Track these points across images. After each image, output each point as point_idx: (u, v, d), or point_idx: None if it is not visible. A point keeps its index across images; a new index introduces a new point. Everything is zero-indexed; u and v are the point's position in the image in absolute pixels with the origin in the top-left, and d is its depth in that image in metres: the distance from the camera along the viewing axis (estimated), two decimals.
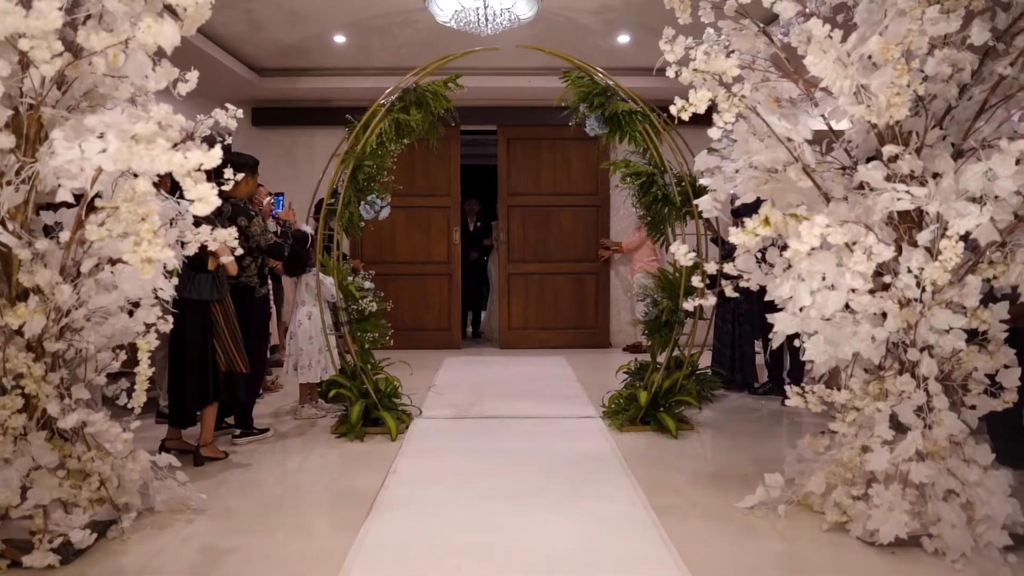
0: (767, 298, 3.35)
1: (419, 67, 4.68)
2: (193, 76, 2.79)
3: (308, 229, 5.04)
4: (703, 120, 7.88)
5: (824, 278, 2.82)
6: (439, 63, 4.63)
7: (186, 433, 4.15)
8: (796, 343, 3.18)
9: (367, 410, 4.57)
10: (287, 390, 5.82)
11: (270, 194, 5.80)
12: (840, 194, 3.00)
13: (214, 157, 2.14)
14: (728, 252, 5.57)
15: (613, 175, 4.78)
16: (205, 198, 2.15)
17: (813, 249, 2.72)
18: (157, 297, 3.11)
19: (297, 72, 7.29)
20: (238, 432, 4.38)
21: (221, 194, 4.44)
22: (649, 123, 4.63)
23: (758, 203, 5.64)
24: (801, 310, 2.84)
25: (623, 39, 6.31)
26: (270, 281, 5.88)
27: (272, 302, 5.94)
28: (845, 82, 2.61)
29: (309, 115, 8.03)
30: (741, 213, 5.74)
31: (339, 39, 6.25)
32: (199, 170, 2.16)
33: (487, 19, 5.07)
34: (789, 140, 2.92)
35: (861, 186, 3.08)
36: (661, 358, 4.83)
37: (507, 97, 7.86)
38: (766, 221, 2.91)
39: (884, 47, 2.40)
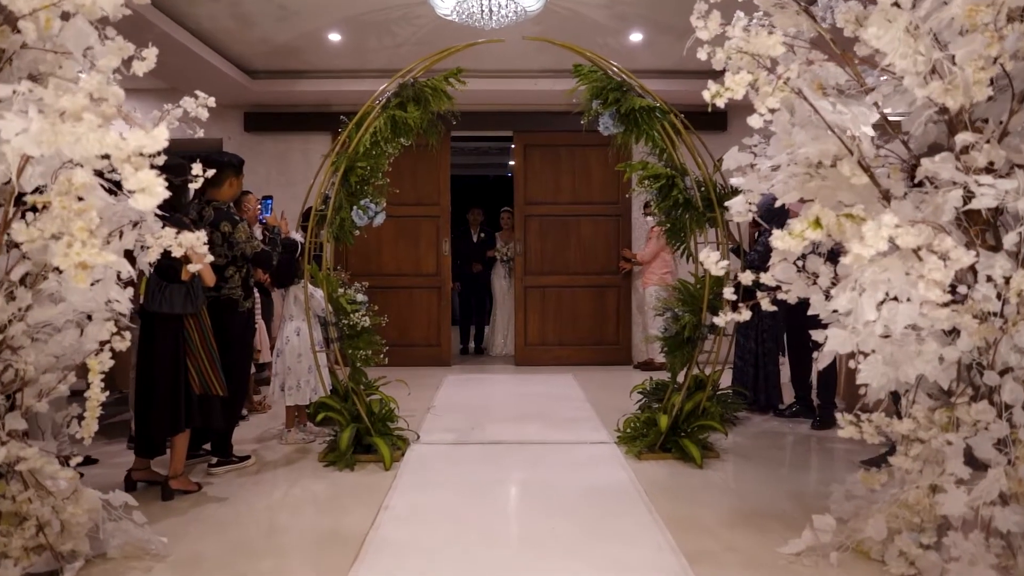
0: (810, 312, 2.95)
1: (419, 60, 4.29)
2: (151, 53, 2.39)
3: (298, 237, 4.63)
4: (718, 125, 7.50)
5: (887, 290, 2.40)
6: (440, 56, 4.25)
7: (158, 461, 3.74)
8: (852, 363, 2.76)
9: (359, 435, 4.15)
10: (276, 411, 5.39)
11: (258, 200, 5.41)
12: (901, 192, 2.59)
13: (158, 138, 1.73)
14: (750, 262, 5.17)
15: (628, 178, 4.38)
16: (148, 188, 1.74)
17: (876, 255, 2.30)
18: (121, 311, 2.72)
19: (291, 75, 6.92)
20: (215, 460, 3.95)
21: (202, 197, 4.12)
22: (667, 122, 4.23)
23: (782, 212, 5.24)
24: (862, 326, 2.42)
25: (635, 37, 5.94)
26: (258, 294, 5.47)
27: (261, 316, 5.54)
28: (918, 58, 2.20)
29: (304, 120, 7.66)
30: (765, 220, 5.35)
31: (334, 37, 5.88)
32: (141, 155, 1.76)
33: (491, 11, 4.69)
34: (843, 130, 2.52)
35: (920, 183, 2.69)
36: (680, 378, 4.41)
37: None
38: (816, 222, 2.50)
39: (972, 8, 2.00)
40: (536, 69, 6.78)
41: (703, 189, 4.31)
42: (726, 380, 5.36)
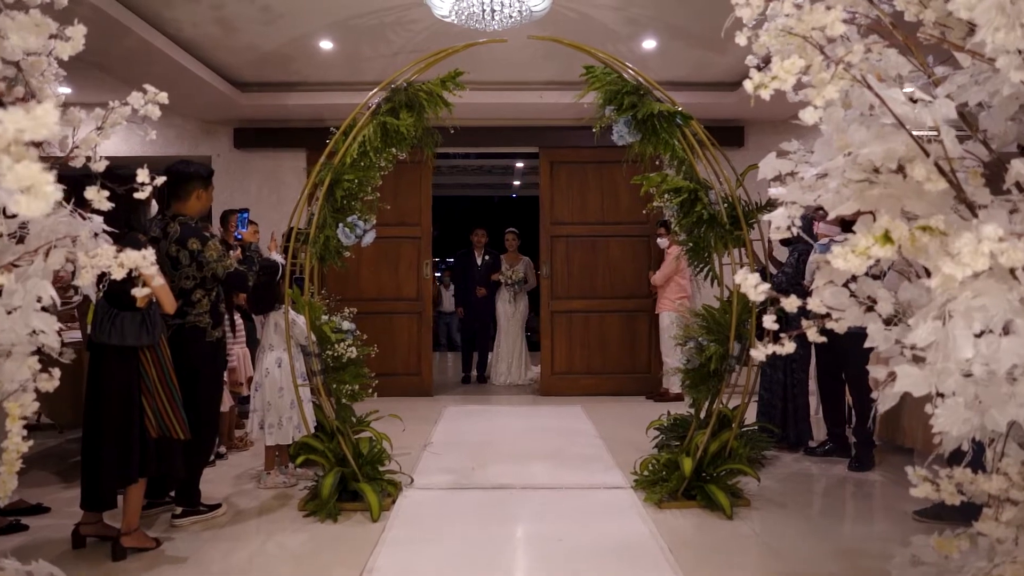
0: (868, 344, 2.50)
1: (413, 62, 3.89)
2: (78, 32, 1.98)
3: (278, 259, 4.19)
4: (735, 141, 7.04)
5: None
6: (436, 57, 3.84)
7: (111, 513, 3.27)
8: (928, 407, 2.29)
9: (344, 480, 3.68)
10: (258, 448, 4.92)
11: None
12: (987, 199, 2.15)
13: (45, 121, 1.30)
14: (777, 285, 4.72)
15: (646, 192, 3.94)
16: (35, 187, 1.31)
17: (968, 277, 1.85)
18: (50, 343, 2.27)
19: (282, 87, 6.54)
20: (180, 511, 3.48)
21: (166, 210, 3.68)
22: (688, 129, 3.81)
23: (808, 230, 4.79)
24: (953, 363, 1.96)
25: (648, 44, 5.53)
26: (241, 320, 5.04)
27: (245, 344, 5.10)
28: (1020, 32, 1.77)
29: (297, 137, 7.25)
30: (790, 240, 4.91)
31: (325, 45, 5.49)
32: (28, 143, 1.33)
33: (492, 11, 4.30)
34: (916, 126, 2.08)
35: (1005, 191, 2.25)
36: (703, 413, 3.95)
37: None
38: (886, 236, 2.05)
39: None
40: (543, 80, 6.39)
41: (727, 205, 3.88)
42: (750, 415, 4.88)
